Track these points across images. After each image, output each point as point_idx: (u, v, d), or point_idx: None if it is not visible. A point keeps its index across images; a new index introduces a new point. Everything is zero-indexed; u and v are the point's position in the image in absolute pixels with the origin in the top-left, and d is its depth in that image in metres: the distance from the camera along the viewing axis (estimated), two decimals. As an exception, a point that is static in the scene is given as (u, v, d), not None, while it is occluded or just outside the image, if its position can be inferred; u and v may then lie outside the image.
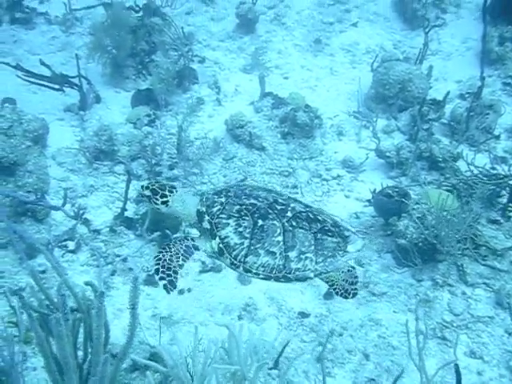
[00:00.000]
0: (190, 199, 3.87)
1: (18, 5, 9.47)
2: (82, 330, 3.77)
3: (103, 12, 9.27)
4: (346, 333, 5.48)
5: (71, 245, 6.11)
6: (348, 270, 3.86)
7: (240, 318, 5.64)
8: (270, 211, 3.70)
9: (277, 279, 3.72)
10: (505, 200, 6.35)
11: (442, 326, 5.40)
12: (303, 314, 5.71)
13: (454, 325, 5.40)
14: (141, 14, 9.03)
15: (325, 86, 8.88)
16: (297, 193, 7.06)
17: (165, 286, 3.58)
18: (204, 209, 3.75)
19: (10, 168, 6.30)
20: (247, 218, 3.67)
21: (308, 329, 5.58)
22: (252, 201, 3.75)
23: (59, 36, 9.47)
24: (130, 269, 5.97)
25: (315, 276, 3.75)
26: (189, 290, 5.86)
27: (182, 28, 9.02)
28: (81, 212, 6.26)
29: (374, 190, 6.59)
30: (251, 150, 7.53)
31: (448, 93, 7.74)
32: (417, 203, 6.05)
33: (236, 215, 3.68)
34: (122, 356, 3.41)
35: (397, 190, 6.22)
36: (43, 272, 5.63)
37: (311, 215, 3.78)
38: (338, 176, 7.32)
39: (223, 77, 8.83)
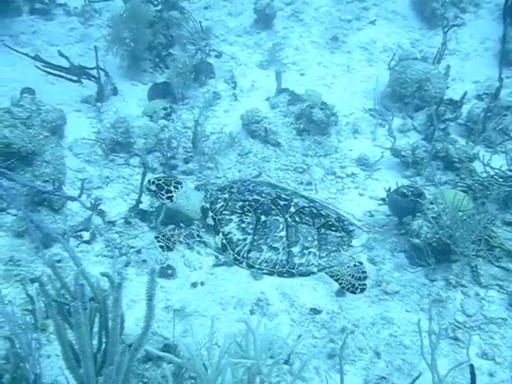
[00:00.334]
0: (195, 195, 3.92)
1: (37, -4, 9.54)
2: (96, 320, 3.83)
3: (122, 4, 9.30)
4: (357, 330, 5.49)
5: (86, 235, 6.16)
6: (354, 265, 3.86)
7: (252, 312, 5.66)
8: (273, 207, 3.72)
9: (280, 274, 3.74)
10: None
11: (455, 327, 5.39)
12: (315, 311, 5.73)
13: (467, 325, 5.39)
14: (159, 7, 9.05)
15: (341, 84, 8.87)
16: (311, 189, 7.07)
17: (161, 247, 3.68)
18: (208, 205, 3.79)
19: (27, 158, 6.35)
20: (250, 214, 3.69)
21: (319, 325, 5.60)
22: (255, 197, 3.77)
23: (77, 27, 9.52)
24: (144, 261, 6.01)
25: (319, 271, 3.76)
26: (202, 284, 5.90)
27: (200, 22, 9.04)
28: (96, 203, 6.30)
29: (389, 188, 6.58)
30: (266, 145, 7.54)
31: (465, 93, 7.71)
32: (431, 203, 6.03)
33: (239, 211, 3.70)
34: (138, 346, 3.44)
35: (412, 189, 6.21)
36: (58, 261, 5.68)
37: (314, 210, 3.79)
38: (353, 174, 7.32)
39: (240, 72, 8.84)
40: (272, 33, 9.66)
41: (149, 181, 3.95)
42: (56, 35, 9.26)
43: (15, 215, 6.04)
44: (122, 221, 6.36)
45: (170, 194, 3.86)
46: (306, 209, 3.78)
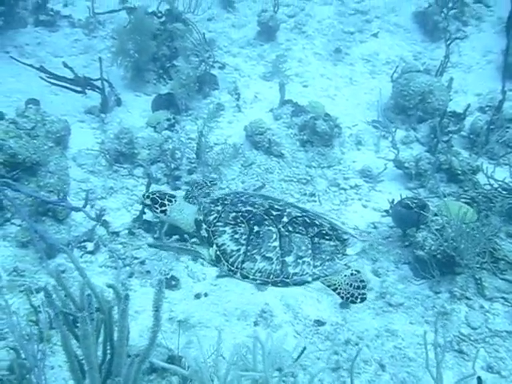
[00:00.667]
0: (189, 208, 3.97)
1: (42, 7, 9.59)
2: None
3: (125, 16, 9.38)
4: (361, 342, 5.47)
5: (90, 246, 6.15)
6: (352, 274, 3.86)
7: (256, 324, 5.65)
8: (266, 217, 3.75)
9: (274, 284, 3.76)
10: (524, 214, 6.33)
11: (459, 339, 5.38)
12: (319, 322, 5.72)
13: (472, 338, 5.38)
14: (163, 19, 9.11)
15: (344, 96, 8.91)
16: (314, 201, 7.08)
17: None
18: (201, 217, 3.83)
19: (32, 168, 6.36)
20: (243, 225, 3.72)
21: (323, 337, 5.58)
22: (248, 208, 3.81)
23: (82, 39, 9.57)
24: (148, 271, 6.00)
25: (313, 280, 3.78)
26: (205, 295, 5.89)
27: (204, 34, 9.09)
28: (101, 214, 6.30)
29: (393, 200, 6.60)
30: (270, 156, 7.56)
31: (468, 105, 7.75)
32: (436, 215, 6.04)
33: (232, 222, 3.74)
34: (144, 358, 3.43)
35: (416, 201, 6.21)
36: (62, 272, 5.67)
37: (308, 220, 3.82)
38: (356, 185, 7.33)
39: (243, 83, 8.88)
40: (275, 45, 9.72)
41: (143, 195, 4.04)
42: (60, 46, 9.30)
43: (19, 225, 6.04)
44: (126, 231, 6.36)
45: (163, 208, 3.93)
46: (299, 218, 3.81)
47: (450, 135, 7.53)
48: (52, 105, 7.83)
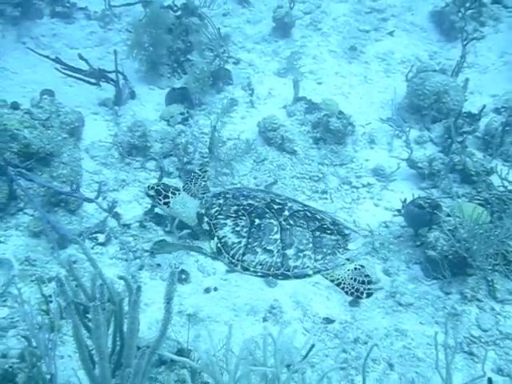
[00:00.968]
0: (191, 202, 3.99)
1: (59, -1, 9.63)
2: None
3: (141, 10, 9.38)
4: (370, 341, 5.46)
5: (101, 237, 6.17)
6: (355, 268, 3.85)
7: (265, 319, 5.65)
8: (267, 210, 3.76)
9: (275, 277, 3.77)
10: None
11: (470, 341, 5.35)
12: (328, 320, 5.71)
13: (482, 340, 5.35)
14: (179, 13, 9.10)
15: (358, 94, 8.86)
16: (326, 198, 7.06)
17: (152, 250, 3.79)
18: (203, 211, 3.85)
19: (45, 159, 6.39)
20: (244, 218, 3.73)
21: (332, 335, 5.58)
22: (249, 201, 3.83)
23: (97, 31, 9.58)
24: (158, 264, 6.02)
25: (314, 273, 3.78)
26: (215, 289, 5.89)
27: (219, 29, 9.08)
28: (113, 205, 6.32)
29: (405, 199, 6.57)
30: (282, 153, 7.54)
31: (484, 106, 7.68)
32: (448, 215, 6.00)
33: (233, 215, 3.75)
34: (154, 349, 3.44)
35: (428, 201, 6.18)
36: (74, 263, 5.69)
37: (309, 214, 3.82)
38: (368, 184, 7.30)
39: (257, 79, 8.86)
40: (290, 41, 9.68)
41: (148, 186, 4.05)
42: (76, 38, 9.32)
43: (32, 215, 6.08)
44: (137, 224, 6.38)
45: (166, 200, 3.95)
46: (301, 212, 3.82)
47: (465, 136, 7.47)
48: (66, 96, 7.85)
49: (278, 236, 3.72)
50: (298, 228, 3.75)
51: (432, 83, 8.01)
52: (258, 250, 3.70)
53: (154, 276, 5.92)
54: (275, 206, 3.81)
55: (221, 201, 3.86)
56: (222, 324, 5.49)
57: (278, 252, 3.70)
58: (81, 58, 7.97)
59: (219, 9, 9.89)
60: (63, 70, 7.95)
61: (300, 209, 3.85)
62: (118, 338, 3.91)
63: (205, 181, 4.54)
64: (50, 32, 9.31)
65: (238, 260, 3.75)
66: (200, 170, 4.67)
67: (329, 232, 3.79)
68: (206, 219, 3.84)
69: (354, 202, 7.07)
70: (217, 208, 3.84)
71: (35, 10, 9.35)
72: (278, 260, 3.70)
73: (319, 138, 7.65)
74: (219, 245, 3.77)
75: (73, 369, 4.40)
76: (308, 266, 3.73)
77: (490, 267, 5.71)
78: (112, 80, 8.02)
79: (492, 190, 6.60)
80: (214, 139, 7.21)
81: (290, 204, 3.87)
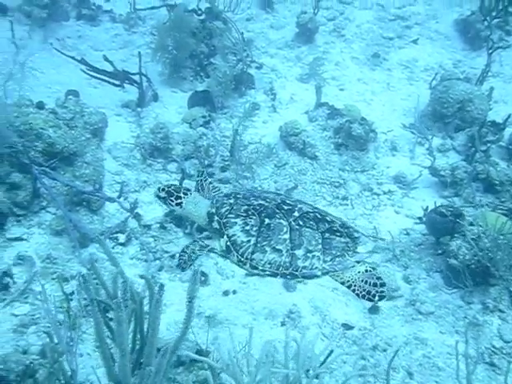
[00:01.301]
0: (202, 202, 4.02)
1: (85, 2, 9.74)
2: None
3: (166, 13, 9.45)
4: (390, 349, 5.40)
5: (122, 238, 6.20)
6: (366, 271, 3.83)
7: (283, 324, 5.63)
8: (277, 211, 3.77)
9: (283, 276, 3.78)
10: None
11: (491, 352, 5.27)
12: (347, 326, 5.67)
13: (504, 351, 5.27)
14: (203, 17, 9.15)
15: (380, 101, 8.82)
16: (347, 204, 7.03)
17: (179, 263, 3.78)
18: (214, 210, 3.87)
19: (69, 158, 6.44)
20: (254, 217, 3.75)
21: (351, 341, 5.54)
22: (260, 201, 3.85)
23: (122, 34, 9.67)
24: (178, 266, 6.01)
25: (323, 274, 3.78)
26: (234, 292, 5.88)
27: (242, 33, 9.12)
28: (134, 206, 6.35)
29: (426, 207, 6.51)
30: (303, 158, 7.53)
31: (509, 116, 7.59)
32: (471, 224, 5.94)
33: (243, 214, 3.77)
34: (175, 348, 3.44)
35: (451, 209, 6.12)
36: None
37: (319, 215, 3.83)
38: (390, 191, 7.25)
39: (279, 84, 8.87)
40: (313, 47, 9.68)
41: (158, 188, 4.06)
42: (100, 40, 9.43)
43: (54, 214, 6.13)
44: (158, 225, 6.40)
45: (179, 201, 3.97)
46: (311, 214, 3.83)
47: (489, 145, 7.39)
48: (90, 97, 7.92)
49: (287, 236, 3.74)
50: (307, 229, 3.77)
51: (456, 91, 7.94)
52: (267, 249, 3.73)
53: (173, 277, 5.93)
54: (285, 207, 3.84)
55: (231, 200, 3.90)
56: (240, 327, 5.47)
57: (286, 252, 3.73)
58: (106, 59, 8.05)
59: (243, 13, 9.93)
60: (88, 71, 8.03)
61: (310, 210, 3.88)
62: (137, 337, 3.93)
63: (210, 182, 4.55)
64: (76, 34, 9.42)
65: (246, 258, 3.77)
66: (198, 175, 4.67)
67: (338, 234, 3.81)
68: (216, 218, 3.86)
69: (375, 209, 7.03)
70: (227, 207, 3.87)
71: (62, 12, 9.47)
72: (287, 260, 3.72)
73: (341, 144, 7.63)
74: (228, 243, 3.81)
75: (92, 367, 4.43)
76: (317, 267, 3.74)
77: (512, 278, 5.64)
78: (135, 82, 8.09)
79: (516, 200, 6.52)
80: (236, 143, 7.22)
81: (300, 205, 3.89)
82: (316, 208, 4.00)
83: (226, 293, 5.88)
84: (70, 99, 7.02)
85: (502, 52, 9.26)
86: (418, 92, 8.68)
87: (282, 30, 9.97)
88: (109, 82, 8.15)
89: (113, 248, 6.07)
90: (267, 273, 3.76)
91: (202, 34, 8.95)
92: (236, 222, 3.78)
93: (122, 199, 6.37)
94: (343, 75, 9.22)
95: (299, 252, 3.71)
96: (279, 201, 3.89)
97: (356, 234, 3.85)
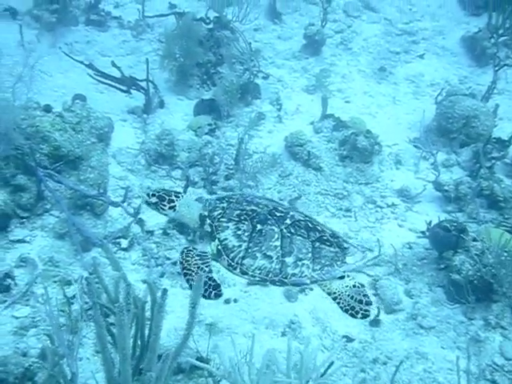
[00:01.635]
0: (194, 204, 4.02)
1: (94, 7, 9.81)
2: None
3: (174, 21, 9.50)
4: (390, 362, 5.37)
5: (124, 243, 6.19)
6: (354, 286, 3.83)
7: (284, 334, 5.59)
8: (270, 217, 3.77)
9: (273, 283, 3.78)
10: None
11: (492, 369, 5.24)
12: (347, 338, 5.63)
13: (505, 369, 5.23)
14: (211, 26, 9.21)
15: (386, 114, 8.85)
16: (350, 216, 7.01)
17: (215, 296, 3.63)
18: (206, 213, 3.86)
19: (74, 162, 6.46)
20: (246, 223, 3.74)
21: (351, 353, 5.50)
22: (252, 207, 3.84)
23: (129, 40, 9.73)
24: (179, 273, 5.97)
25: (311, 283, 3.77)
26: (235, 301, 5.84)
27: (250, 43, 9.16)
28: (138, 211, 6.34)
29: (430, 221, 6.49)
30: (308, 169, 7.54)
31: (514, 133, 7.62)
32: (475, 240, 5.93)
33: (236, 219, 3.76)
34: (177, 354, 3.43)
35: (455, 224, 6.11)
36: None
37: (310, 224, 3.83)
38: (393, 204, 7.24)
39: (285, 95, 8.90)
40: (320, 59, 9.73)
41: (148, 194, 4.04)
42: (108, 46, 9.48)
43: (58, 217, 6.13)
44: (161, 231, 6.37)
45: (172, 204, 3.97)
46: (302, 222, 3.83)
47: (493, 161, 7.39)
48: (97, 102, 7.95)
49: (278, 243, 3.77)
50: (298, 237, 3.79)
51: (462, 107, 7.96)
52: (258, 255, 3.75)
53: (174, 284, 5.89)
54: (277, 214, 3.84)
55: (224, 204, 3.91)
56: (240, 336, 5.44)
57: (277, 258, 3.75)
58: (113, 65, 8.09)
59: (251, 24, 9.96)
60: (96, 76, 8.07)
61: (301, 219, 3.88)
62: (138, 343, 3.91)
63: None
64: (84, 39, 9.47)
65: (237, 263, 3.79)
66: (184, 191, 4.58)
67: (328, 244, 3.83)
68: (208, 221, 3.86)
69: (378, 222, 7.02)
70: (220, 211, 3.88)
71: (71, 17, 9.54)
72: (277, 266, 3.74)
73: (345, 156, 7.64)
74: (219, 247, 3.82)
75: (91, 371, 4.41)
76: (306, 275, 3.77)
77: (515, 295, 5.62)
78: (142, 88, 8.12)
79: (520, 217, 6.51)
80: (241, 151, 7.23)
81: (292, 213, 3.89)
82: (307, 216, 4.01)
83: (227, 301, 5.84)
84: (77, 103, 7.04)
85: (508, 70, 9.27)
86: (423, 106, 8.70)
87: (290, 41, 10.02)
88: (116, 88, 8.18)
89: (115, 253, 6.05)
90: (257, 278, 3.76)
91: (209, 43, 9.01)
92: (228, 226, 3.80)
93: (125, 204, 6.36)
94: (349, 88, 9.25)
95: (289, 259, 3.74)
96: (271, 207, 3.89)
97: (345, 245, 3.88)
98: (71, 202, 6.21)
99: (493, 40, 9.46)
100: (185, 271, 3.77)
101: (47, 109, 6.57)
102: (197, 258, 3.81)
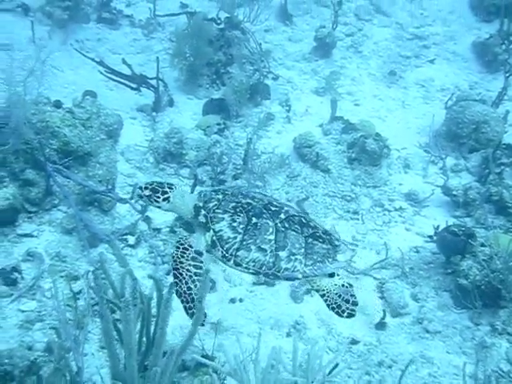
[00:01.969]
0: (188, 195, 3.99)
1: (106, 5, 9.82)
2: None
3: (185, 20, 9.50)
4: (395, 366, 5.36)
5: (131, 239, 6.20)
6: (343, 285, 3.84)
7: (288, 334, 5.59)
8: (264, 211, 3.78)
9: (266, 276, 3.77)
10: None
11: (498, 375, 5.21)
12: (352, 341, 5.62)
13: (511, 375, 5.20)
14: (222, 26, 9.21)
15: (395, 118, 8.82)
16: (357, 219, 7.00)
17: (191, 314, 3.57)
18: (201, 204, 3.85)
19: (83, 158, 6.48)
20: (242, 215, 3.75)
21: (356, 356, 5.49)
22: (248, 200, 3.85)
23: (140, 39, 9.73)
24: (184, 271, 5.99)
25: (303, 277, 3.77)
26: (240, 300, 5.86)
27: (260, 44, 9.16)
28: (145, 208, 6.35)
29: (438, 226, 6.47)
30: (316, 170, 7.52)
31: (524, 139, 7.59)
32: (482, 245, 5.90)
33: (231, 211, 3.76)
34: (183, 349, 3.41)
35: (463, 228, 6.08)
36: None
37: (304, 220, 3.85)
38: (401, 208, 7.22)
39: (295, 96, 8.89)
40: (330, 61, 9.71)
41: (140, 187, 3.98)
42: (119, 44, 9.49)
43: (65, 212, 6.14)
44: (168, 229, 6.40)
45: (166, 196, 3.91)
46: (296, 217, 3.85)
47: (502, 167, 7.35)
48: (106, 99, 7.96)
49: (272, 237, 3.76)
50: (292, 232, 3.79)
51: (472, 112, 7.93)
52: (253, 247, 3.74)
53: (180, 282, 5.89)
54: (272, 208, 3.86)
55: (220, 196, 3.89)
56: (245, 335, 5.45)
57: (271, 252, 3.74)
58: (124, 62, 8.11)
59: (261, 25, 9.95)
60: (106, 73, 8.08)
61: (295, 214, 3.90)
62: (143, 340, 3.90)
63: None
64: (95, 36, 9.49)
65: (231, 255, 3.76)
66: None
67: (321, 240, 3.84)
68: (203, 212, 3.84)
69: (385, 225, 7.00)
70: (215, 202, 3.86)
71: (83, 15, 9.56)
72: (271, 260, 3.74)
73: (354, 159, 7.62)
74: (214, 238, 3.79)
75: (96, 367, 4.41)
76: (298, 270, 3.77)
77: (523, 301, 5.59)
78: (152, 86, 8.13)
79: (528, 224, 6.48)
80: (249, 151, 7.22)
81: (286, 208, 3.92)
82: (301, 213, 4.02)
83: (232, 300, 5.85)
84: (87, 99, 7.05)
85: (518, 76, 9.24)
86: (432, 111, 8.65)
87: (300, 43, 10.00)
88: (126, 85, 8.19)
89: (122, 249, 6.06)
90: (250, 271, 3.76)
91: (219, 43, 9.01)
92: (223, 218, 3.78)
93: (133, 201, 6.37)
94: (359, 91, 9.23)
95: (283, 253, 3.74)
96: (266, 201, 3.92)
97: (337, 242, 3.88)
98: (79, 197, 6.22)
99: (504, 46, 9.41)
100: (175, 272, 3.73)
101: (57, 104, 6.58)
102: (191, 262, 3.77)
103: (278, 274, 3.75)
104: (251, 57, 9.03)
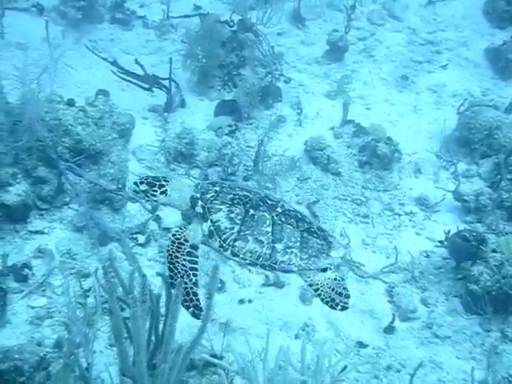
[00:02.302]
0: (185, 187, 3.98)
1: (119, 6, 9.88)
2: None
3: (198, 22, 9.53)
4: (404, 370, 5.33)
5: (141, 239, 6.22)
6: (335, 279, 3.85)
7: (297, 336, 5.58)
8: (261, 204, 3.81)
9: (262, 267, 3.78)
10: None
11: (508, 381, 5.16)
12: (361, 344, 5.60)
13: (521, 382, 5.17)
14: (235, 28, 9.23)
15: (406, 123, 8.78)
16: (367, 222, 6.98)
17: (193, 313, 3.57)
18: (198, 195, 3.85)
19: (95, 156, 6.50)
20: (239, 206, 3.77)
21: (364, 359, 5.46)
22: (245, 193, 3.88)
23: (153, 40, 9.77)
24: (194, 271, 5.99)
25: (298, 271, 3.79)
26: (249, 301, 5.86)
27: (273, 47, 9.18)
28: (155, 208, 6.37)
29: (449, 231, 6.44)
30: (326, 173, 7.52)
31: (536, 145, 7.54)
32: (494, 251, 5.86)
33: (229, 202, 3.78)
34: (192, 346, 3.41)
35: (474, 234, 6.05)
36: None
37: (299, 215, 3.89)
38: (411, 212, 7.20)
39: (306, 99, 8.88)
40: (342, 65, 9.70)
41: (135, 183, 3.96)
42: (132, 45, 9.53)
43: (76, 210, 6.16)
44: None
45: (163, 189, 3.90)
46: (292, 212, 3.88)
47: (514, 174, 7.32)
48: (119, 99, 7.99)
49: (269, 229, 3.78)
50: (288, 225, 3.83)
51: (484, 118, 7.90)
52: (250, 238, 3.76)
53: (188, 282, 5.89)
54: (269, 202, 3.89)
55: (217, 188, 3.91)
56: (253, 336, 5.43)
57: (268, 244, 3.76)
58: (137, 63, 8.14)
59: (274, 28, 9.97)
60: (119, 73, 8.12)
61: (291, 209, 3.94)
62: (152, 338, 3.90)
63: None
64: (108, 37, 9.54)
65: (228, 245, 3.78)
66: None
67: (315, 236, 3.87)
68: (200, 203, 3.85)
69: (396, 229, 6.98)
70: (213, 194, 3.88)
71: (96, 15, 9.63)
72: (268, 252, 3.77)
73: (365, 162, 7.61)
74: (212, 228, 3.80)
75: (105, 364, 4.41)
76: (293, 263, 3.80)
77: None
78: (164, 87, 8.15)
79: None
80: (260, 153, 7.23)
81: (282, 203, 3.96)
82: (296, 209, 4.07)
83: (241, 301, 5.85)
84: (100, 98, 7.09)
85: (531, 83, 9.21)
86: (444, 116, 8.61)
87: (312, 47, 10.00)
88: (138, 86, 8.22)
89: (132, 248, 6.08)
90: (247, 261, 3.78)
91: (232, 44, 9.02)
92: (221, 209, 3.81)
93: (143, 200, 6.38)
94: (370, 95, 9.21)
95: (279, 246, 3.78)
96: (263, 195, 3.96)
97: (330, 239, 3.92)
98: (90, 195, 6.25)
99: (518, 52, 9.37)
100: (170, 266, 3.73)
101: (71, 103, 6.61)
102: (186, 257, 3.77)
103: (275, 266, 3.79)
104: (263, 59, 9.04)
